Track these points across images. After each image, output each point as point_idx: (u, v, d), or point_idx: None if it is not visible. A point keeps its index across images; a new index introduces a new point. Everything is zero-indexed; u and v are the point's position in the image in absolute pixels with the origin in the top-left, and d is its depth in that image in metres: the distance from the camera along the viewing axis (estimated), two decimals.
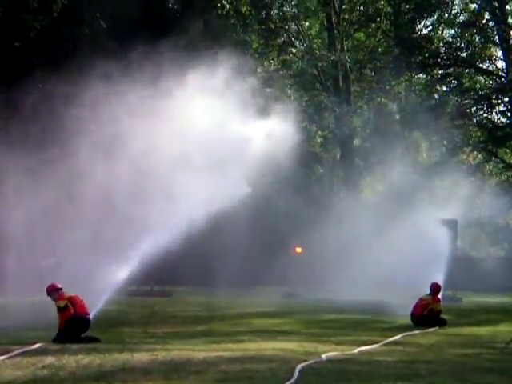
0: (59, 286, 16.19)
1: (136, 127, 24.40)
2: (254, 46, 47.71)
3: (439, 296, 21.70)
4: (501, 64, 47.74)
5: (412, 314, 20.99)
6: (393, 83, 50.94)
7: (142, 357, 13.16)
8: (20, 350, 14.10)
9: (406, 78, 50.86)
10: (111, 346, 14.81)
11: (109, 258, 20.67)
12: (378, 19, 49.42)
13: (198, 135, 25.22)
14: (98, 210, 24.55)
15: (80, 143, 24.15)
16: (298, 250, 34.02)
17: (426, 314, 20.80)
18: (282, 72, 46.81)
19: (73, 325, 15.74)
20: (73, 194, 26.00)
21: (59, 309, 15.79)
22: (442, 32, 50.26)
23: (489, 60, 47.44)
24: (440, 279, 24.08)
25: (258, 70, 44.06)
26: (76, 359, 12.81)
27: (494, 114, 48.10)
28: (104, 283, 20.12)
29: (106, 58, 29.24)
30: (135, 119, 25.00)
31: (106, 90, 25.66)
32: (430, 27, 49.99)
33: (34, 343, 14.88)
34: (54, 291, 16.07)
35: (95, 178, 23.61)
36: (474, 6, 47.57)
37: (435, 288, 21.62)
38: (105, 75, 26.66)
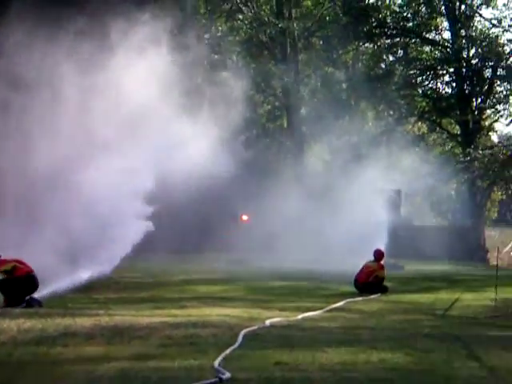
0: None
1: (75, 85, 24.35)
2: (202, 11, 47.33)
3: (383, 263, 21.91)
4: (447, 35, 48.11)
5: (356, 280, 21.12)
6: (340, 52, 51.02)
7: (84, 322, 13.10)
8: None
9: (354, 47, 50.96)
10: (53, 310, 14.71)
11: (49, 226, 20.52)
12: None
13: (138, 105, 25.25)
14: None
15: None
16: (245, 217, 34.13)
17: (371, 281, 21.00)
18: (229, 38, 46.55)
19: (26, 283, 15.64)
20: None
21: (7, 272, 15.54)
22: (390, 1, 50.30)
23: (435, 30, 47.70)
24: (383, 247, 24.36)
25: (205, 35, 43.82)
26: (17, 323, 12.70)
27: (439, 84, 48.58)
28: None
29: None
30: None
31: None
32: None
33: None
34: None
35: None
36: None
37: (378, 254, 21.82)
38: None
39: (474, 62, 45.47)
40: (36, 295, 15.99)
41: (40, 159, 22.47)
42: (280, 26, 44.31)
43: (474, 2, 46.05)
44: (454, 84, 47.04)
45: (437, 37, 48.12)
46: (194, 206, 38.26)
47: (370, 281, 20.96)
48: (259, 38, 47.27)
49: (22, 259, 16.06)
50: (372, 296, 19.79)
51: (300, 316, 14.84)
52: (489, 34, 45.07)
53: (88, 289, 19.78)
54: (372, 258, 21.69)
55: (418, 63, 47.21)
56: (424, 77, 47.78)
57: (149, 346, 10.93)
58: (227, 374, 8.79)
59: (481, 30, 45.73)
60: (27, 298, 15.69)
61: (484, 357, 10.62)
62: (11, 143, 23.87)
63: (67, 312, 14.44)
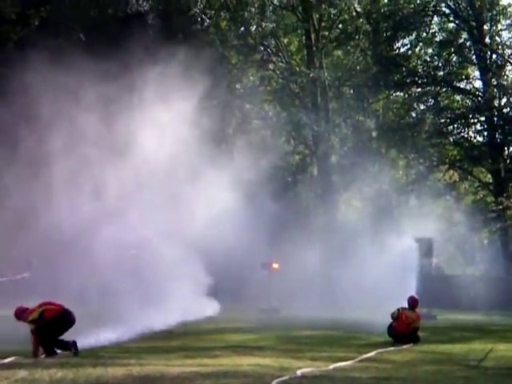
0: (24, 307, 15.95)
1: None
2: (233, 62, 47.82)
3: (417, 311, 21.68)
4: (478, 83, 48.22)
5: (394, 329, 20.76)
6: (371, 101, 51.23)
7: (115, 371, 13.11)
8: None
9: (384, 95, 51.18)
10: (85, 360, 14.74)
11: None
12: (357, 37, 49.63)
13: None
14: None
15: None
16: (275, 265, 34.00)
17: (410, 333, 20.75)
18: (260, 88, 46.93)
19: (60, 321, 15.67)
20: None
21: (35, 321, 15.52)
22: (420, 51, 50.56)
23: (466, 79, 47.85)
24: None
25: (236, 85, 44.21)
26: (49, 373, 12.74)
27: (470, 132, 48.51)
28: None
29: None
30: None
31: None
32: (408, 46, 50.33)
33: (8, 357, 14.79)
34: (21, 313, 15.85)
35: None
36: (451, 25, 47.99)
37: (414, 302, 21.57)
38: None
39: (505, 110, 45.41)
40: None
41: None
42: (311, 75, 44.57)
43: (505, 52, 46.13)
44: (486, 133, 46.98)
45: (468, 86, 48.29)
46: (226, 256, 38.40)
47: (408, 332, 20.70)
48: (290, 87, 47.59)
49: (49, 300, 16.10)
50: (404, 346, 19.58)
51: (331, 366, 14.73)
52: None
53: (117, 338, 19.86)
54: (405, 305, 21.43)
55: (448, 112, 47.27)
56: (455, 125, 47.76)
57: None
58: None
59: None
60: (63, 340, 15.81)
61: None
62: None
63: (98, 361, 14.45)
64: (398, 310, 21.04)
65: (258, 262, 35.51)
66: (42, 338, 15.54)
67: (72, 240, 24.75)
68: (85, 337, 18.44)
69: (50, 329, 15.51)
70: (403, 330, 20.66)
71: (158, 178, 27.03)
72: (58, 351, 15.81)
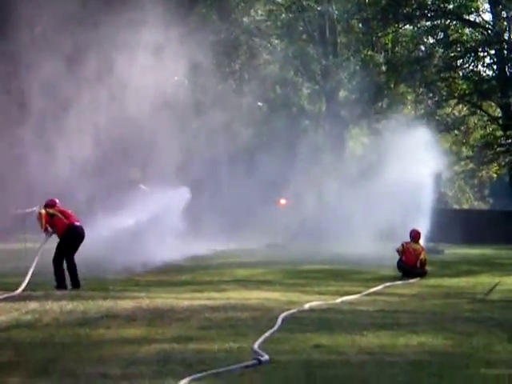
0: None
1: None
2: None
3: (421, 243, 21.80)
4: (488, 16, 47.55)
5: (404, 263, 20.84)
6: (379, 34, 50.69)
7: (125, 304, 13.28)
8: (3, 296, 14.20)
9: (393, 29, 50.60)
10: (95, 293, 14.91)
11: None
12: None
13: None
14: None
15: None
16: (283, 201, 34.09)
17: (419, 266, 20.87)
18: (268, 22, 46.41)
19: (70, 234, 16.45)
20: None
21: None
22: None
23: (476, 12, 47.13)
24: (424, 231, 24.27)
25: (244, 19, 43.75)
26: (59, 305, 12.91)
27: (479, 66, 48.00)
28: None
29: None
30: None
31: None
32: None
33: (17, 289, 14.99)
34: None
35: None
36: None
37: (415, 234, 21.67)
38: None
39: None
40: None
41: None
42: (319, 9, 44.05)
43: None
44: (496, 66, 46.53)
45: (478, 19, 47.58)
46: (235, 189, 38.49)
47: (417, 265, 20.83)
48: (298, 21, 47.08)
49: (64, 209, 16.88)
50: (411, 280, 19.71)
51: (339, 300, 14.86)
52: None
53: (129, 271, 20.06)
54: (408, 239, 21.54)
55: (458, 45, 46.71)
56: (465, 59, 47.26)
57: (189, 328, 11.05)
58: (266, 357, 8.86)
59: None
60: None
61: None
62: None
63: (109, 294, 14.63)
64: (402, 244, 21.16)
65: (266, 196, 35.63)
66: (57, 254, 16.36)
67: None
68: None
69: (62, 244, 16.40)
70: (413, 262, 20.81)
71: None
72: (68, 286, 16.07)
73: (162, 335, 10.44)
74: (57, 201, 16.92)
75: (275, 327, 11.04)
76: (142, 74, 30.76)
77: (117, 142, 29.70)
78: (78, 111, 29.46)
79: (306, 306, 13.58)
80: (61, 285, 16.03)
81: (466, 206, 62.36)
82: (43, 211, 16.49)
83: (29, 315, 11.96)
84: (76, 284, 16.14)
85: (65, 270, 16.29)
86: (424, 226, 26.81)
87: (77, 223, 16.59)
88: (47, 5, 27.27)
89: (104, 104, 29.63)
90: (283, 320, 11.73)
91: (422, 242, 22.37)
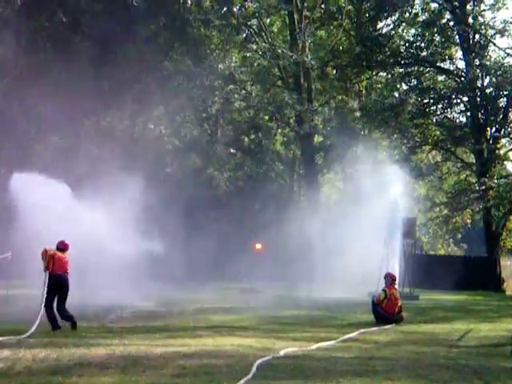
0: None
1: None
2: (215, 42, 47.62)
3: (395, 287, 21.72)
4: (461, 64, 48.11)
5: (384, 310, 20.57)
6: (354, 81, 51.20)
7: (98, 351, 13.12)
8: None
9: (367, 76, 51.14)
10: (68, 340, 14.73)
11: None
12: (340, 17, 49.52)
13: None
14: None
15: None
16: (258, 246, 34.01)
17: (397, 313, 20.81)
18: (243, 69, 46.74)
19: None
20: None
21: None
22: (403, 31, 50.48)
23: (449, 60, 47.71)
24: (399, 276, 24.28)
25: (219, 66, 44.01)
26: (32, 353, 12.73)
27: (453, 113, 48.48)
28: None
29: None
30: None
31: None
32: (391, 26, 50.21)
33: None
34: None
35: None
36: (434, 5, 47.81)
37: (394, 277, 21.59)
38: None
39: (488, 91, 45.38)
40: None
41: None
42: (294, 57, 44.43)
43: (488, 32, 46.03)
44: (469, 113, 46.98)
45: (451, 66, 48.13)
46: (209, 235, 38.43)
47: (396, 312, 20.76)
48: (272, 68, 47.48)
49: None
50: (386, 326, 19.66)
51: (314, 346, 14.78)
52: (503, 64, 44.89)
53: (101, 318, 19.89)
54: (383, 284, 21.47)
55: (432, 92, 47.19)
56: (438, 106, 47.74)
57: (163, 375, 10.93)
58: None
59: (495, 59, 45.64)
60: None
61: None
62: None
63: (81, 341, 14.45)
64: (385, 290, 20.98)
65: (240, 242, 35.62)
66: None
67: None
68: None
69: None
70: (393, 310, 20.73)
71: None
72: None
73: (136, 383, 10.30)
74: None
75: (250, 375, 10.95)
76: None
77: None
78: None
79: (281, 352, 13.50)
80: (54, 326, 16.74)
81: (442, 252, 62.62)
82: (50, 251, 17.35)
83: (1, 363, 11.78)
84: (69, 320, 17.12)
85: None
86: (399, 271, 26.87)
87: (59, 272, 17.15)
88: None
89: None
90: (258, 367, 11.64)
91: (397, 286, 22.33)
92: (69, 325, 17.01)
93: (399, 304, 20.98)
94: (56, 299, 17.05)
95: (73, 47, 36.92)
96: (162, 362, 12.02)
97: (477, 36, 46.02)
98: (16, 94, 33.29)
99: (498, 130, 45.94)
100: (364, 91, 52.79)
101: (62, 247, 17.61)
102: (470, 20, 45.69)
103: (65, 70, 36.93)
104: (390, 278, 21.38)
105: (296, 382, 10.55)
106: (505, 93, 44.66)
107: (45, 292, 16.92)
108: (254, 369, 11.43)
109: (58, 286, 17.02)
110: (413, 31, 49.45)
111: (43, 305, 16.71)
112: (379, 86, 52.80)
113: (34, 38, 35.82)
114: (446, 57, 47.41)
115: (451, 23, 46.79)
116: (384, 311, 20.68)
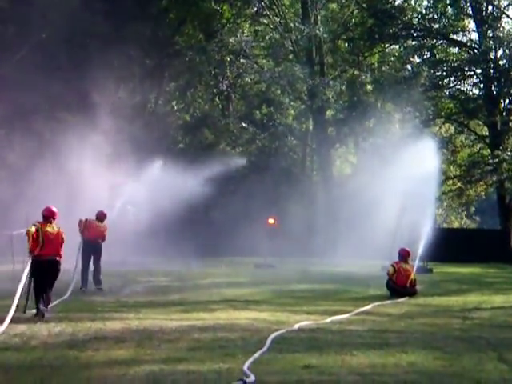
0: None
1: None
2: (226, 16, 47.45)
3: (410, 262, 21.69)
4: (474, 36, 47.86)
5: (395, 284, 20.65)
6: (366, 54, 50.93)
7: (114, 325, 13.20)
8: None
9: (380, 49, 50.87)
10: (83, 314, 14.81)
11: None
12: None
13: None
14: None
15: None
16: (271, 221, 33.99)
17: (409, 286, 20.82)
18: (254, 43, 46.60)
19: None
20: None
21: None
22: (416, 3, 50.08)
23: (462, 32, 47.40)
24: (415, 250, 24.20)
25: (230, 40, 43.88)
26: (48, 327, 12.81)
27: (466, 85, 48.24)
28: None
29: None
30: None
31: None
32: None
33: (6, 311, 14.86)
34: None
35: None
36: None
37: (404, 253, 21.53)
38: None
39: (501, 62, 45.13)
40: None
41: None
42: (305, 31, 44.20)
43: (501, 3, 45.69)
44: (482, 85, 46.77)
45: (464, 38, 47.85)
46: (222, 209, 38.49)
47: (408, 285, 20.76)
48: (284, 42, 47.29)
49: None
50: (400, 299, 19.67)
51: (328, 319, 14.80)
52: None
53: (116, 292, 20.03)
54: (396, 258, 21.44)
55: (444, 65, 46.93)
56: (451, 78, 47.48)
57: (178, 349, 10.98)
58: (252, 378, 8.81)
59: (508, 30, 45.32)
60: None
61: None
62: None
63: (97, 316, 14.53)
64: (393, 265, 21.01)
65: (254, 216, 35.64)
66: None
67: None
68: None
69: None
70: (404, 283, 20.71)
71: None
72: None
73: (151, 356, 10.37)
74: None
75: (264, 348, 10.99)
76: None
77: None
78: None
79: (296, 326, 13.54)
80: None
81: (455, 225, 62.52)
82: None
83: (17, 338, 11.86)
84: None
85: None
86: (413, 245, 26.80)
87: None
88: None
89: None
90: (272, 340, 11.68)
91: (413, 261, 22.29)
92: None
93: (412, 277, 20.97)
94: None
95: (83, 23, 36.81)
96: (177, 336, 12.08)
97: (489, 7, 45.72)
98: (24, 73, 33.36)
99: (511, 102, 45.69)
100: (376, 64, 52.53)
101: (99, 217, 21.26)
102: None
103: (76, 46, 36.94)
104: (400, 255, 21.40)
105: (310, 354, 10.58)
106: None
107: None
108: (268, 342, 11.47)
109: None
110: (425, 3, 49.12)
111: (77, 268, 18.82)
112: (392, 59, 52.50)
113: (43, 13, 35.72)
114: (459, 29, 47.11)
115: None
116: (395, 284, 20.72)
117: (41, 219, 15.33)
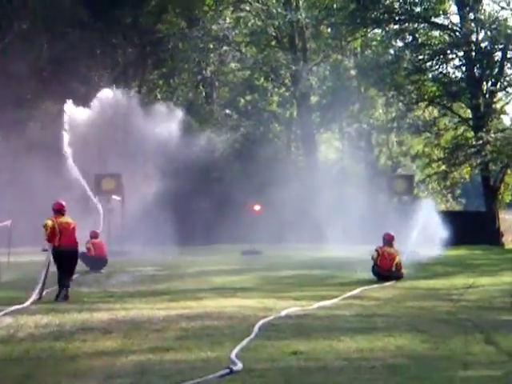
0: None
1: None
2: (208, 3, 47.27)
3: (395, 247, 21.70)
4: (455, 19, 47.77)
5: (380, 267, 20.81)
6: (348, 39, 50.82)
7: (101, 316, 13.15)
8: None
9: (362, 33, 50.77)
10: (70, 305, 14.77)
11: None
12: None
13: None
14: None
15: None
16: (257, 207, 33.99)
17: (394, 269, 20.87)
18: (236, 30, 46.47)
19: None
20: None
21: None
22: None
23: (443, 15, 47.33)
24: (399, 234, 24.24)
25: (212, 27, 43.75)
26: (34, 319, 12.75)
27: (448, 68, 48.23)
28: None
29: None
30: None
31: None
32: None
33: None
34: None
35: None
36: None
37: (389, 237, 21.57)
38: None
39: (483, 45, 45.12)
40: None
41: None
42: (288, 17, 44.09)
43: None
44: (464, 68, 46.80)
45: (445, 21, 47.75)
46: (207, 197, 38.45)
47: (393, 269, 20.81)
48: (266, 29, 47.13)
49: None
50: (387, 283, 19.74)
51: (315, 305, 14.83)
52: (498, 17, 44.70)
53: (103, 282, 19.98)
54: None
55: (427, 48, 46.91)
56: (433, 62, 47.45)
57: (166, 338, 10.96)
58: (239, 365, 8.81)
59: (489, 12, 45.36)
60: None
61: (502, 342, 10.61)
62: None
63: (84, 307, 14.49)
64: (377, 250, 21.06)
65: (239, 203, 35.62)
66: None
67: None
68: None
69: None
70: (388, 267, 20.79)
71: None
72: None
73: (139, 347, 10.34)
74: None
75: (252, 335, 10.98)
76: None
77: None
78: None
79: (283, 312, 13.54)
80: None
81: (441, 208, 62.67)
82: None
83: (3, 330, 11.80)
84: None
85: None
86: (397, 229, 26.83)
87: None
88: None
89: None
90: (260, 328, 11.68)
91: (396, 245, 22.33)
92: None
93: (396, 261, 21.03)
94: None
95: (64, 12, 36.63)
96: (165, 326, 12.06)
97: None
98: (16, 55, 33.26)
99: (493, 84, 45.77)
100: (359, 49, 52.47)
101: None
102: None
103: (57, 36, 36.74)
104: (384, 239, 21.45)
105: (298, 341, 10.59)
106: (500, 46, 44.49)
107: None
108: (255, 329, 11.47)
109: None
110: None
111: None
112: (374, 43, 52.42)
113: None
114: (441, 12, 47.05)
115: None
116: (380, 268, 20.80)
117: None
